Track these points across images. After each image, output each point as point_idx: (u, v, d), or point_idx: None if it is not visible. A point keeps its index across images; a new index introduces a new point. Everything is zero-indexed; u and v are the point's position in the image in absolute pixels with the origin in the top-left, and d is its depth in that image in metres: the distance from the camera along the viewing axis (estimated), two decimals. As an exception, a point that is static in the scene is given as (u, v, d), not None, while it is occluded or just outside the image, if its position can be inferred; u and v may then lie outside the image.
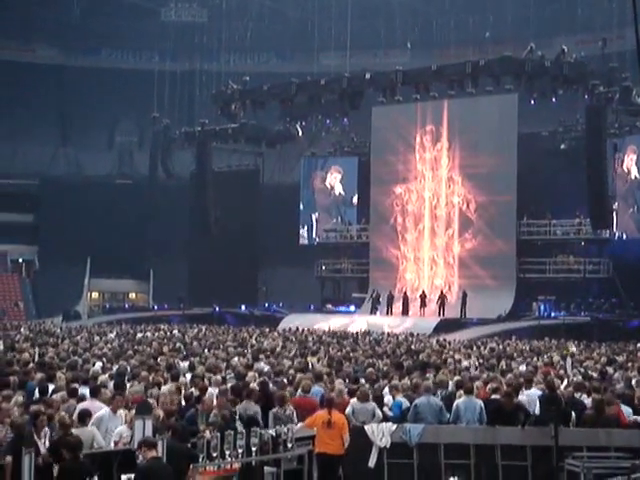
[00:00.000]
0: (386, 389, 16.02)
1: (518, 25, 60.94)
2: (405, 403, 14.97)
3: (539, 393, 15.50)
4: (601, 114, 44.32)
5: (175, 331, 36.37)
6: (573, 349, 28.61)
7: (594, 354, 26.84)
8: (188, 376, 17.00)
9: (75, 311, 55.52)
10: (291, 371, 18.25)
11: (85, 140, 68.72)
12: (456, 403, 14.56)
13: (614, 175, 46.63)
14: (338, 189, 56.92)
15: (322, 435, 12.86)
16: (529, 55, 44.14)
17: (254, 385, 15.33)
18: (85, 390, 13.87)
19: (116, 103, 64.75)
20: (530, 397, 15.43)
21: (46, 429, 11.07)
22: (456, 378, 16.79)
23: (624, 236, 47.22)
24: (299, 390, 15.32)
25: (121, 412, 12.58)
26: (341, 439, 13.02)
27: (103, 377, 16.19)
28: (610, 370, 20.51)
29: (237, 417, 12.95)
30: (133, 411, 12.55)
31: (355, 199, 56.55)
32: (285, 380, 16.82)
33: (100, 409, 12.62)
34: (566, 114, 50.02)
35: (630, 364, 22.68)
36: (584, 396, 15.51)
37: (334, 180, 56.95)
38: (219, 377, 16.49)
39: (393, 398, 15.36)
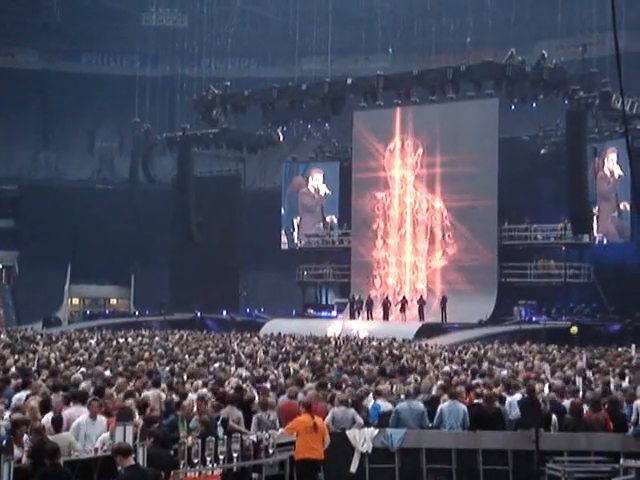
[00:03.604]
0: (370, 394, 15.98)
1: (499, 30, 61.26)
2: (386, 406, 14.95)
3: (516, 398, 15.50)
4: (581, 119, 44.57)
5: (156, 337, 36.24)
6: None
7: (575, 359, 26.91)
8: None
9: (55, 317, 55.16)
10: (272, 376, 18.22)
11: (65, 145, 68.59)
12: (440, 407, 14.56)
13: (595, 179, 46.82)
14: (323, 189, 56.86)
15: (306, 440, 12.76)
16: (510, 60, 44.28)
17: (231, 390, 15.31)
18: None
19: (96, 108, 64.67)
20: (511, 402, 15.44)
21: (26, 436, 10.98)
22: (439, 382, 16.80)
23: (605, 241, 47.40)
24: (284, 395, 15.30)
25: (102, 418, 12.51)
26: (323, 443, 12.98)
27: (84, 384, 16.08)
28: (589, 374, 20.59)
29: (219, 423, 12.91)
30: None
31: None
32: (268, 385, 16.79)
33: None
34: (546, 119, 50.27)
35: (611, 368, 22.75)
36: (565, 400, 15.56)
37: (316, 182, 56.91)
38: (200, 382, 16.45)
39: (375, 402, 15.34)
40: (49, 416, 12.34)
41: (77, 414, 12.52)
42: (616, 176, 46.37)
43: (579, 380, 19.05)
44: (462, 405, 14.58)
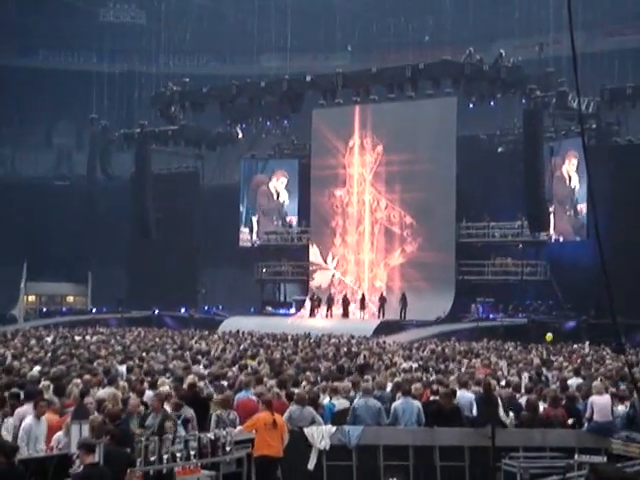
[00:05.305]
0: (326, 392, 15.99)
1: (457, 29, 61.56)
2: (341, 404, 14.96)
3: (472, 395, 15.55)
4: (538, 118, 44.91)
5: (114, 334, 36.01)
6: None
7: (530, 355, 27.17)
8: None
9: (11, 314, 54.54)
10: (230, 374, 18.17)
11: (22, 141, 67.82)
12: (394, 405, 14.61)
13: (551, 178, 47.23)
14: (284, 196, 56.71)
15: (265, 437, 12.79)
16: (468, 59, 44.53)
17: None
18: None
19: (54, 104, 63.93)
20: (464, 399, 15.47)
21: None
22: (395, 380, 16.86)
23: (561, 239, 47.82)
24: (241, 393, 15.26)
25: (45, 418, 12.34)
26: (282, 440, 13.00)
27: (45, 383, 15.88)
28: (545, 371, 20.79)
29: (180, 422, 12.86)
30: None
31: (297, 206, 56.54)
32: (225, 383, 16.73)
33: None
34: (504, 118, 50.66)
35: (565, 364, 23.01)
36: (522, 397, 15.69)
37: (280, 185, 56.77)
38: (165, 379, 16.37)
39: (330, 400, 15.35)
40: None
41: (29, 413, 12.40)
42: (573, 185, 46.77)
43: (526, 376, 19.27)
44: (416, 402, 14.64)
